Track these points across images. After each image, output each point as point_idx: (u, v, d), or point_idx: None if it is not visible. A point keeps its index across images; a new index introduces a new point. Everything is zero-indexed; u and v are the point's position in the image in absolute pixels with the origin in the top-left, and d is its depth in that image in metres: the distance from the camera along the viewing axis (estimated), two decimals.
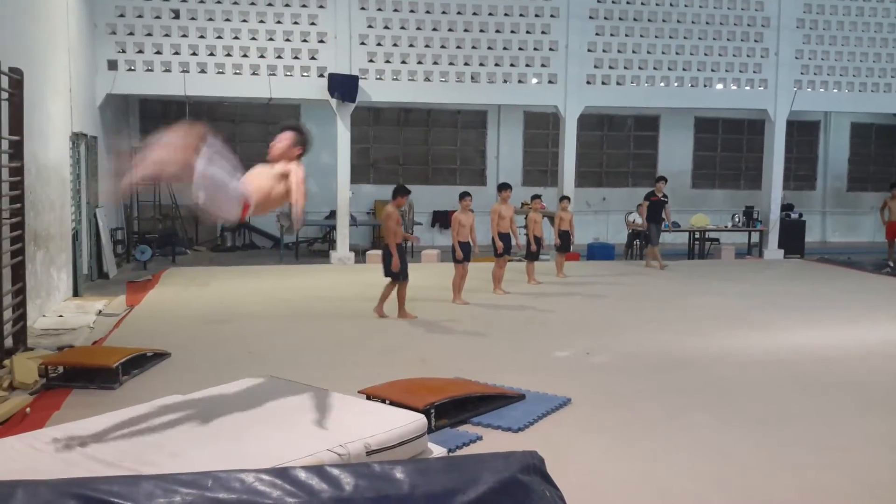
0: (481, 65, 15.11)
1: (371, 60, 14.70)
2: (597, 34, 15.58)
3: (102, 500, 2.60)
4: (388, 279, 9.44)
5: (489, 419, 5.62)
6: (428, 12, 14.89)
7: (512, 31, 15.19)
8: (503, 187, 11.46)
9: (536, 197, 12.56)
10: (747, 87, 16.30)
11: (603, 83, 15.69)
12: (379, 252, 15.04)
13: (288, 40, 14.38)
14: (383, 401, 5.32)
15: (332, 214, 16.18)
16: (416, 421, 4.31)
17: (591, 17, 15.55)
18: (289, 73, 14.42)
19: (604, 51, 15.64)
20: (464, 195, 10.43)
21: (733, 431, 5.58)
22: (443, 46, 14.95)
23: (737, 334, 8.93)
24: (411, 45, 14.86)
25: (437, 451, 4.56)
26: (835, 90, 16.72)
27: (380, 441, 4.00)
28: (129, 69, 13.90)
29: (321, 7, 14.46)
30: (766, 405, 6.25)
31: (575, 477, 4.55)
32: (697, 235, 16.87)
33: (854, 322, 9.79)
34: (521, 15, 15.20)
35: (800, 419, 5.90)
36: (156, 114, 17.47)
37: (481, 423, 5.57)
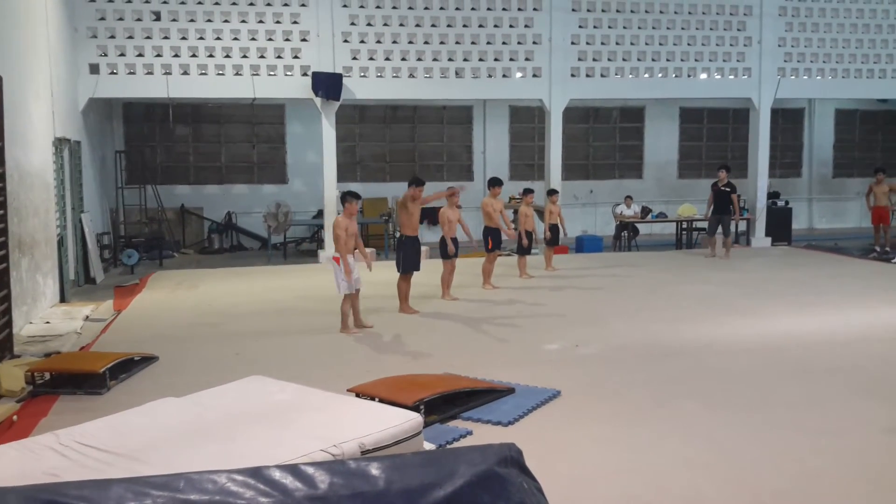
0: (465, 60, 15.07)
1: (355, 58, 14.64)
2: (580, 27, 15.57)
3: None
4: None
5: (479, 414, 5.62)
6: (410, 8, 14.82)
7: (495, 26, 15.15)
8: (495, 183, 11.46)
9: (529, 192, 12.60)
10: (731, 77, 16.32)
11: (587, 76, 15.69)
12: (370, 250, 15.13)
13: (270, 39, 14.29)
14: (372, 398, 5.31)
15: (320, 214, 16.13)
16: (412, 420, 4.27)
17: (573, 10, 15.53)
18: (272, 73, 14.35)
19: (587, 43, 15.63)
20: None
21: (724, 419, 5.60)
22: (426, 42, 14.90)
23: (726, 322, 8.95)
24: (394, 42, 14.80)
25: (428, 447, 4.54)
26: (818, 77, 16.76)
27: (375, 440, 3.97)
28: (112, 73, 13.78)
29: (303, 5, 14.38)
30: (756, 392, 6.27)
31: (566, 468, 4.55)
32: (685, 225, 16.90)
33: (842, 307, 9.82)
34: (503, 9, 15.16)
35: (790, 405, 5.92)
36: (139, 117, 17.36)
37: (471, 418, 5.57)
